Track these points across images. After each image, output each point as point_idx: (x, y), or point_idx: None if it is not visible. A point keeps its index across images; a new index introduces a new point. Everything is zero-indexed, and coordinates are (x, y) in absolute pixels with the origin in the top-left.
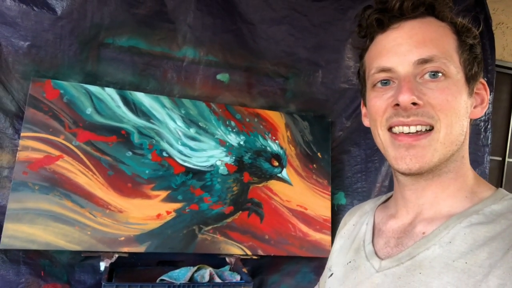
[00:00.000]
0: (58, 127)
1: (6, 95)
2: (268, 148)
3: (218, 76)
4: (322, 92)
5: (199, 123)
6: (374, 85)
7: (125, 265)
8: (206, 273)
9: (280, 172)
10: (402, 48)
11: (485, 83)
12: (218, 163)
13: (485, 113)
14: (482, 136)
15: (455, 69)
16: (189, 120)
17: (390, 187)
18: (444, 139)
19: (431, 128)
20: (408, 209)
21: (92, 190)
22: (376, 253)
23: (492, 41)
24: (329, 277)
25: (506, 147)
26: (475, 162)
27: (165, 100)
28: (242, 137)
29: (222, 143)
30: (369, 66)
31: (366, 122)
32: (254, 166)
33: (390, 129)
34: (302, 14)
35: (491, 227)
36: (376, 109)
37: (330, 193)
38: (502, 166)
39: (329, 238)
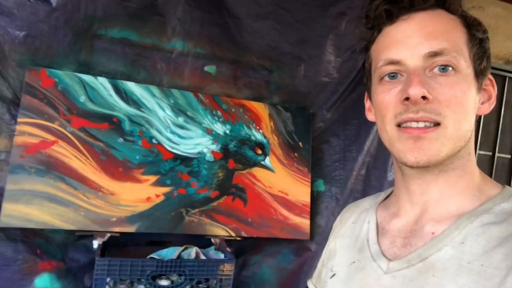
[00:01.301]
0: (53, 114)
1: (3, 83)
2: (252, 137)
3: (206, 68)
4: (304, 85)
5: (187, 112)
6: (382, 78)
7: (117, 245)
8: (192, 251)
9: (263, 160)
10: (412, 40)
11: (492, 79)
12: (205, 150)
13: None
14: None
15: (465, 63)
16: (177, 109)
17: (367, 176)
18: (452, 135)
19: (438, 124)
20: (413, 204)
21: (85, 174)
22: (383, 253)
23: None
24: (330, 277)
25: (496, 143)
26: None
27: (154, 89)
28: (228, 126)
29: (208, 131)
30: (376, 59)
31: (370, 117)
32: (238, 153)
33: (398, 125)
34: (286, 10)
35: (504, 227)
36: (385, 104)
37: (310, 180)
38: (492, 161)
39: (308, 222)
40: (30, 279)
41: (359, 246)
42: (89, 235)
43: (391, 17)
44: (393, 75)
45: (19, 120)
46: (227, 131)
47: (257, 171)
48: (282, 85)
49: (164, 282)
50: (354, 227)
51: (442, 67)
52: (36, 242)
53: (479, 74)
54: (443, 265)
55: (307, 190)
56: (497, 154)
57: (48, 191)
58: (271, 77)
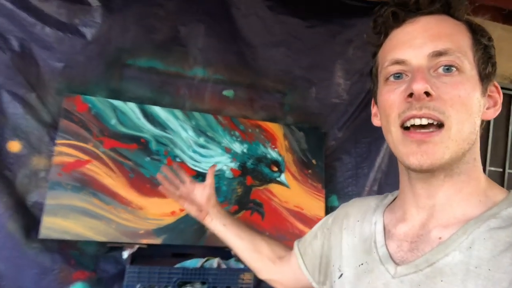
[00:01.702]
0: (87, 136)
1: (43, 109)
2: (268, 155)
3: (224, 92)
4: (316, 106)
5: (208, 133)
6: (387, 79)
7: (144, 256)
8: (214, 262)
9: (279, 176)
10: (417, 41)
11: (498, 86)
12: (224, 168)
13: (484, 127)
14: (481, 148)
15: (469, 65)
16: (198, 130)
17: (379, 192)
18: (455, 136)
19: (442, 125)
20: (419, 208)
21: (116, 190)
22: (391, 257)
23: None
24: (339, 277)
25: (506, 159)
26: None
27: (178, 113)
28: (245, 145)
29: (227, 150)
30: (382, 60)
31: (376, 122)
32: (256, 171)
33: (402, 125)
34: (297, 38)
35: (511, 231)
36: (390, 103)
37: (324, 196)
38: (503, 176)
39: None
40: (66, 287)
41: (366, 247)
42: (119, 247)
43: (398, 20)
44: (398, 75)
45: (57, 141)
46: (245, 150)
47: (273, 187)
48: (295, 106)
49: None
50: (361, 226)
51: (447, 67)
52: (71, 254)
53: (484, 78)
54: (451, 270)
55: (322, 205)
56: (507, 170)
57: (83, 206)
58: (285, 99)
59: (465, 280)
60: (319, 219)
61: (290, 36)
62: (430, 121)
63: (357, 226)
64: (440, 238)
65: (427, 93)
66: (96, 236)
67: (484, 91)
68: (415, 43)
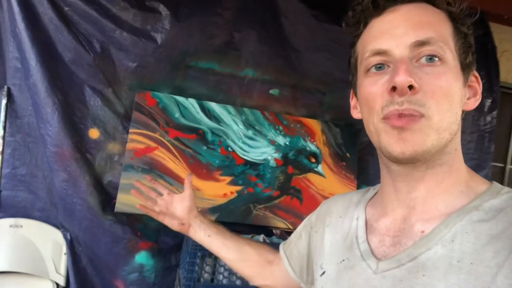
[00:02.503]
0: (155, 126)
1: (118, 102)
2: (308, 148)
3: (271, 91)
4: None
5: (255, 127)
6: (368, 70)
7: None
8: (260, 238)
9: (317, 167)
10: (398, 30)
11: (478, 76)
12: (269, 157)
13: (490, 125)
14: (486, 145)
15: (451, 55)
16: (248, 124)
17: None
18: (436, 125)
19: (423, 115)
20: (400, 202)
21: (178, 173)
22: (372, 252)
23: (497, 66)
24: (321, 275)
25: (507, 155)
26: (479, 166)
27: (230, 108)
28: (288, 139)
29: (272, 142)
30: (362, 51)
31: (355, 114)
32: (296, 161)
33: (384, 118)
34: (338, 44)
35: (493, 224)
36: (373, 96)
37: (356, 186)
38: (503, 172)
39: None
40: (132, 255)
41: (348, 243)
42: None
43: (378, 9)
44: (379, 66)
45: (130, 130)
46: (287, 143)
47: (311, 176)
48: (333, 105)
49: None
50: (343, 222)
51: (429, 57)
52: (138, 226)
53: (465, 68)
54: (433, 264)
55: None
56: (508, 166)
57: (151, 185)
58: (324, 98)
59: (447, 274)
60: None
61: (331, 42)
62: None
63: (339, 222)
64: (422, 231)
65: (411, 86)
66: None
67: (465, 81)
68: (397, 32)
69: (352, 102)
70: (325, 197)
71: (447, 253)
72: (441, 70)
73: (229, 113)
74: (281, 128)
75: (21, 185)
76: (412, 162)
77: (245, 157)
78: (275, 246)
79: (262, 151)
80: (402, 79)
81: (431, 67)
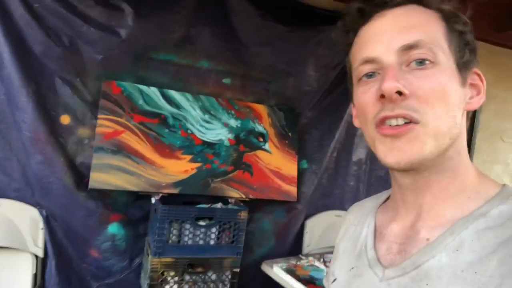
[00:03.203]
0: (121, 112)
1: (86, 90)
2: (256, 129)
3: (223, 80)
4: (293, 92)
5: (211, 112)
6: (360, 79)
7: (163, 203)
8: (218, 205)
9: (264, 145)
10: (385, 35)
11: (480, 73)
12: (223, 138)
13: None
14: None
15: (443, 56)
16: (204, 109)
17: (337, 157)
18: (432, 132)
19: (417, 122)
20: (408, 209)
21: (144, 153)
22: (379, 260)
23: None
24: (332, 282)
25: (470, 151)
26: None
27: (188, 96)
28: (239, 121)
29: (225, 125)
30: (353, 60)
31: (356, 123)
32: (247, 141)
33: (377, 126)
34: (280, 40)
35: (500, 231)
36: (365, 105)
37: (296, 160)
38: None
39: (295, 189)
40: (105, 226)
41: (358, 251)
42: (144, 196)
43: (365, 17)
44: (370, 75)
45: (98, 116)
46: (238, 125)
47: (259, 153)
48: (277, 92)
49: (202, 222)
50: (355, 230)
51: (419, 60)
52: (108, 201)
53: (461, 67)
54: (437, 273)
55: (295, 167)
56: None
57: (120, 164)
58: (269, 86)
59: (450, 284)
60: (293, 177)
61: (274, 38)
62: (406, 121)
63: (352, 230)
64: (428, 239)
65: (400, 92)
66: (130, 187)
67: (463, 81)
68: (383, 38)
69: (354, 111)
70: (272, 170)
71: (451, 262)
72: (432, 73)
73: (188, 100)
74: (233, 112)
75: None
76: (411, 169)
77: (202, 138)
78: (234, 211)
79: (217, 132)
80: (389, 85)
81: (422, 70)
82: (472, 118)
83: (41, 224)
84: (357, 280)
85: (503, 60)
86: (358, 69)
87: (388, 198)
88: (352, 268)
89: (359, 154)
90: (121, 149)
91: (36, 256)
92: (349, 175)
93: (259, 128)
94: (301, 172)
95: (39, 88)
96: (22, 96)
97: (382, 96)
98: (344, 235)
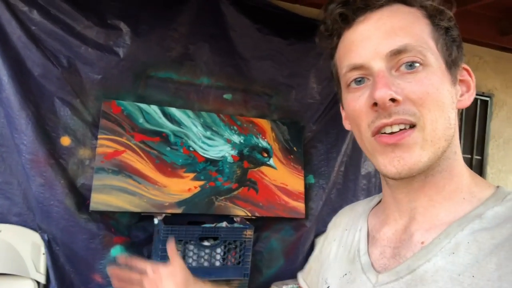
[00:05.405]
0: (121, 131)
1: (85, 111)
2: (260, 145)
3: (224, 96)
4: (296, 105)
5: (213, 128)
6: (348, 85)
7: (167, 223)
8: (223, 224)
9: (268, 160)
10: (371, 41)
11: (468, 68)
12: (227, 154)
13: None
14: None
15: (432, 56)
16: (206, 126)
17: (345, 171)
18: (430, 136)
19: (414, 125)
20: (401, 212)
21: (146, 173)
22: (372, 265)
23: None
24: None
25: (473, 147)
26: None
27: (189, 112)
28: (242, 137)
29: (228, 141)
30: (340, 65)
31: (347, 126)
32: (250, 156)
33: (374, 135)
34: (280, 53)
35: (496, 232)
36: (357, 113)
37: (303, 175)
38: (471, 162)
39: (303, 205)
40: (108, 249)
41: (351, 257)
42: (147, 217)
43: (347, 21)
44: (359, 80)
45: (99, 136)
46: (242, 141)
47: (264, 169)
48: (279, 106)
49: (206, 243)
50: (348, 234)
51: (409, 64)
52: (111, 223)
53: (451, 65)
54: (432, 277)
55: (301, 182)
56: (474, 157)
57: (121, 185)
58: (271, 100)
59: None
60: (299, 193)
61: (275, 51)
62: (402, 127)
63: (344, 235)
64: (422, 242)
65: (393, 99)
66: (132, 208)
67: (453, 79)
68: (370, 44)
69: (343, 113)
70: (278, 186)
71: (447, 265)
72: (423, 75)
73: (189, 117)
74: (235, 128)
75: None
76: (409, 177)
77: (205, 155)
78: (239, 229)
79: (220, 149)
80: (381, 94)
81: (413, 74)
82: (483, 127)
83: (42, 249)
84: (350, 286)
85: (511, 66)
86: (346, 75)
87: (380, 201)
88: (345, 274)
89: (367, 167)
90: (122, 169)
91: (38, 283)
92: (359, 189)
93: (263, 143)
94: (308, 188)
95: (39, 110)
96: (21, 119)
97: (375, 104)
98: (334, 239)
